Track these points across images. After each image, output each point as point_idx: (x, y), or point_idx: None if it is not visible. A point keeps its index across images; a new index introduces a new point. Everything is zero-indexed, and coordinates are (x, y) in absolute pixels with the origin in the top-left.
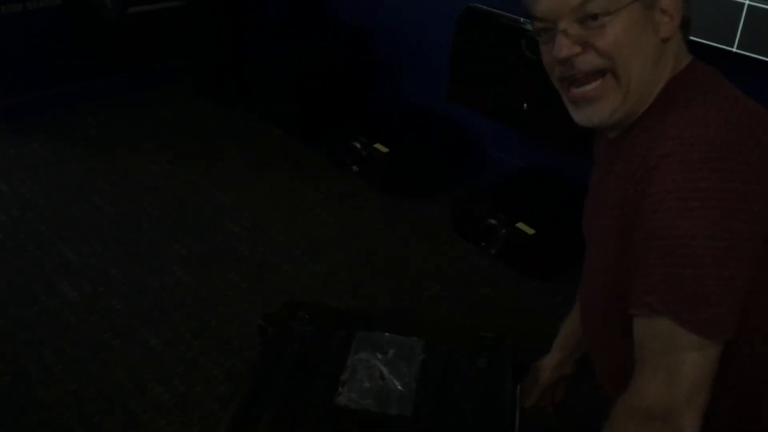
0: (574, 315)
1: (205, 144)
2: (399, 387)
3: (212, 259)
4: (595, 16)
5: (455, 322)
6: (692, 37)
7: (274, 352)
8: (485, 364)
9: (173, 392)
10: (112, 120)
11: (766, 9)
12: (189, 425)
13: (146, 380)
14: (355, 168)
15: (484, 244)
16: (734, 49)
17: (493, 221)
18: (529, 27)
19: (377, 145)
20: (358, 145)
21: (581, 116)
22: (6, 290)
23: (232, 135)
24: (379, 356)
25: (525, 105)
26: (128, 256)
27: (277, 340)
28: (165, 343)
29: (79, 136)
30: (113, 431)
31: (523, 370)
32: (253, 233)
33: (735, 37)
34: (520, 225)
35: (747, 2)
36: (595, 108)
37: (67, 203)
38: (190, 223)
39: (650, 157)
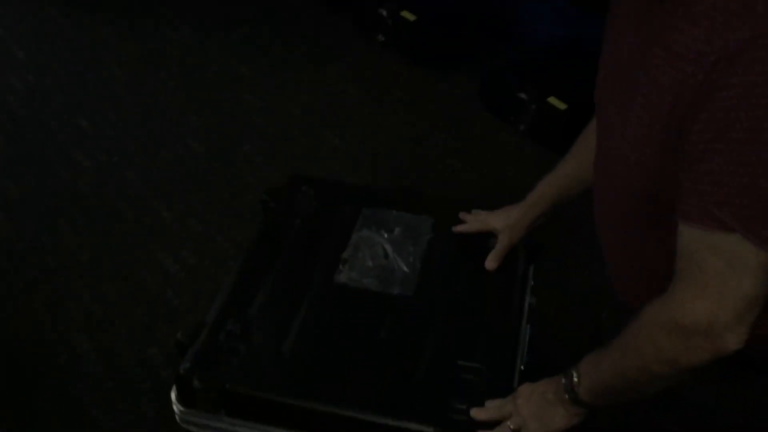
0: (564, 167)
1: (225, 14)
2: (403, 267)
3: (228, 132)
4: None
5: (469, 201)
6: None
7: (276, 227)
8: (496, 244)
9: (183, 264)
10: None
11: None
12: (196, 297)
13: (156, 251)
14: (381, 38)
15: (512, 119)
16: None
17: (522, 95)
18: None
19: (404, 13)
20: (384, 13)
21: None
22: (20, 159)
23: (254, 2)
24: (385, 234)
25: None
26: (143, 127)
27: (279, 215)
28: (176, 215)
29: (98, 3)
30: (122, 300)
31: (537, 250)
32: (271, 105)
33: None
34: (552, 100)
35: None
36: None
37: (84, 71)
38: (207, 94)
39: (733, 36)
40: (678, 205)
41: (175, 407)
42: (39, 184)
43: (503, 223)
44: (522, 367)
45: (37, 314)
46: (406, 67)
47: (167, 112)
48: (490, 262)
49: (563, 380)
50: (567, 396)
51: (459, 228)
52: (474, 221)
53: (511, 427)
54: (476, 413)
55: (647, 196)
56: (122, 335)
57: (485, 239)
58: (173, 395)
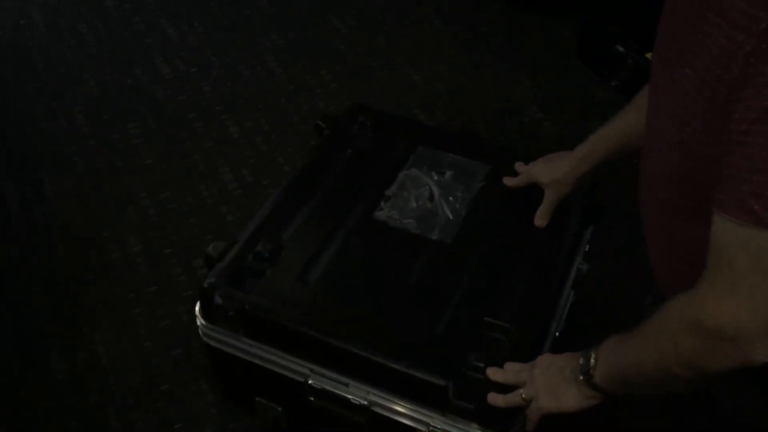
0: (621, 120)
1: None
2: (447, 212)
3: (308, 54)
4: None
5: (529, 153)
6: None
7: (326, 154)
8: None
9: (241, 181)
10: None
11: None
12: (249, 215)
13: (218, 165)
14: None
15: (606, 73)
16: None
17: (620, 48)
18: None
19: None
20: None
21: None
22: (104, 58)
23: None
24: (435, 176)
25: None
26: (226, 41)
27: (331, 143)
28: (243, 132)
29: None
30: (178, 208)
31: (598, 212)
32: (355, 32)
33: None
34: (650, 56)
35: None
36: None
37: None
38: (293, 14)
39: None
40: (714, 191)
41: (197, 320)
42: (118, 84)
43: (549, 177)
44: (557, 334)
45: (99, 210)
46: (503, 8)
47: (253, 27)
48: (539, 219)
49: (581, 360)
50: (582, 377)
51: (508, 180)
52: (523, 174)
53: (523, 396)
54: (492, 373)
55: (688, 182)
56: (172, 242)
57: (541, 193)
58: (197, 308)
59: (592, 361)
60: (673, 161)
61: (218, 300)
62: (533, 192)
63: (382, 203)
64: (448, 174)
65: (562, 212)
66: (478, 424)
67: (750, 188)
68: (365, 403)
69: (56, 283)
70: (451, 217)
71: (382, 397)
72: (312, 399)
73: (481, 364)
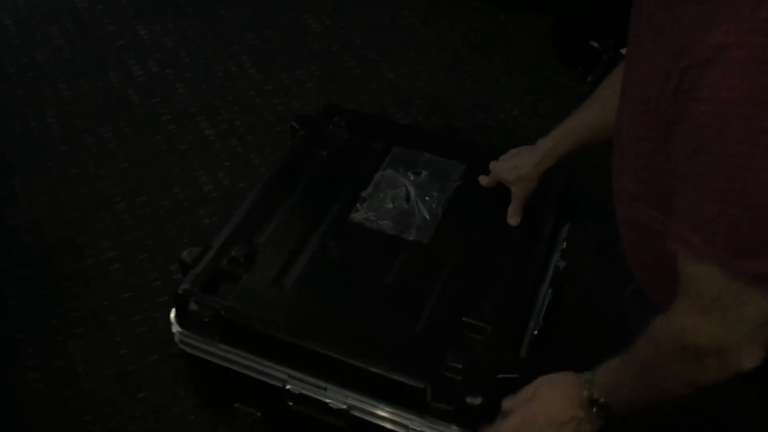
0: (584, 114)
1: None
2: (424, 212)
3: (283, 54)
4: None
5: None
6: None
7: (301, 155)
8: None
9: (217, 184)
10: None
11: None
12: (225, 217)
13: (193, 168)
14: None
15: (582, 69)
16: None
17: (595, 44)
18: None
19: None
20: None
21: None
22: (76, 60)
23: None
24: (411, 176)
25: None
26: (200, 41)
27: (306, 144)
28: (219, 134)
29: None
30: (153, 212)
31: (574, 209)
32: (331, 31)
33: None
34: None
35: None
36: None
37: None
38: (268, 13)
39: (702, 44)
40: (666, 223)
41: (173, 326)
42: (90, 87)
43: (514, 174)
44: (535, 332)
45: (71, 215)
46: (479, 5)
47: (227, 28)
48: (511, 218)
49: (585, 393)
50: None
51: (481, 179)
52: (491, 173)
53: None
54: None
55: (651, 180)
56: (148, 247)
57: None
58: (171, 314)
59: (600, 399)
60: (637, 166)
61: (193, 306)
62: (508, 190)
63: (358, 205)
64: (424, 174)
65: (538, 209)
66: (457, 425)
67: (686, 220)
68: (344, 407)
69: (29, 288)
70: (427, 218)
71: (361, 401)
72: (291, 404)
73: (459, 365)
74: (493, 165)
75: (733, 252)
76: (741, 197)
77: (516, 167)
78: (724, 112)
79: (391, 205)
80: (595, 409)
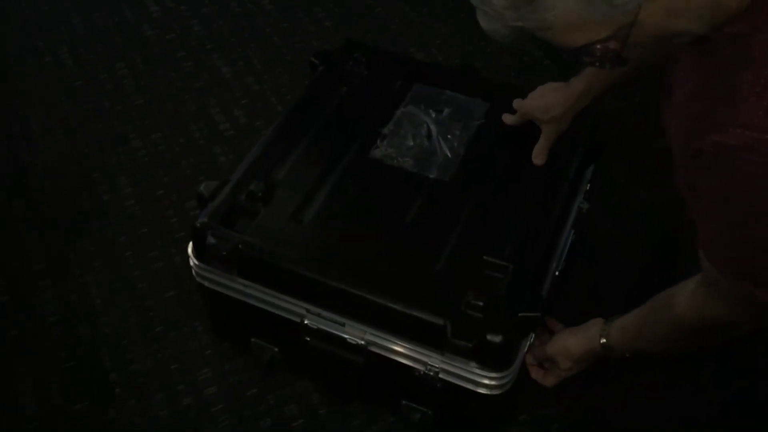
0: None
1: None
2: (445, 150)
3: None
4: None
5: (531, 89)
6: None
7: (320, 91)
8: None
9: (233, 122)
10: None
11: None
12: (241, 156)
13: (209, 106)
14: None
15: None
16: None
17: None
18: None
19: None
20: None
21: None
22: None
23: None
24: (432, 114)
25: None
26: None
27: (325, 80)
28: (235, 71)
29: None
30: (168, 149)
31: (599, 150)
32: None
33: None
34: None
35: None
36: None
37: None
38: None
39: (707, 136)
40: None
41: (190, 260)
42: (105, 24)
43: (547, 114)
44: (557, 273)
45: (87, 151)
46: None
47: None
48: (537, 157)
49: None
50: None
51: (506, 118)
52: (519, 111)
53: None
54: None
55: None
56: (164, 184)
57: (539, 129)
58: (189, 248)
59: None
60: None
61: (211, 240)
62: (532, 129)
63: (378, 141)
64: (446, 111)
65: (564, 150)
66: (477, 362)
67: (707, 241)
68: (362, 342)
69: (45, 224)
70: (449, 155)
71: (380, 337)
72: (308, 339)
73: (480, 303)
74: (520, 103)
75: (756, 276)
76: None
77: (548, 107)
78: (716, 208)
79: (411, 143)
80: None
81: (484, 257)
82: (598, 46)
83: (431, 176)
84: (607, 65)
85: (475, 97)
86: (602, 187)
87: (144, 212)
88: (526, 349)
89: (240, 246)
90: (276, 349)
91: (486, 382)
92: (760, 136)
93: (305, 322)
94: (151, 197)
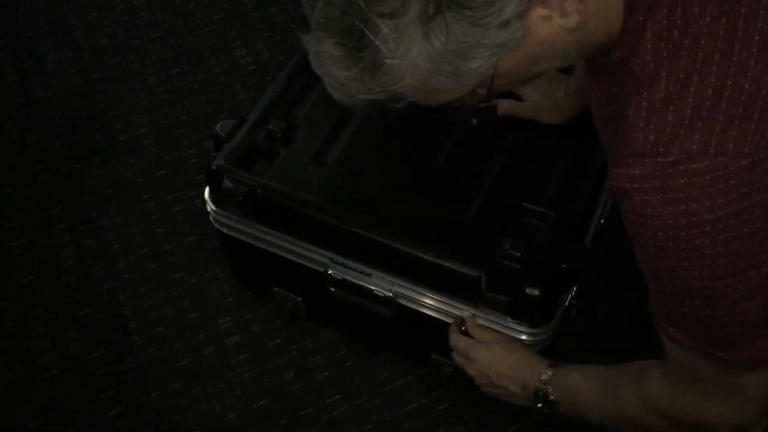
0: None
1: None
2: None
3: None
4: None
5: None
6: None
7: None
8: None
9: (255, 56)
10: None
11: None
12: (263, 92)
13: (230, 39)
14: None
15: None
16: None
17: None
18: None
19: None
20: None
21: None
22: None
23: None
24: None
25: None
26: None
27: None
28: (256, 2)
29: None
30: (187, 84)
31: None
32: None
33: None
34: None
35: None
36: None
37: None
38: None
39: (618, 171)
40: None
41: (207, 205)
42: None
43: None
44: (602, 221)
45: (102, 86)
46: None
47: None
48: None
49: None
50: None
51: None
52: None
53: (469, 372)
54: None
55: None
56: (182, 122)
57: None
58: (206, 192)
59: (550, 396)
60: None
61: (228, 184)
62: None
63: None
64: None
65: None
66: (512, 317)
67: (659, 311)
68: (390, 294)
69: (60, 162)
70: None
71: (409, 289)
72: (332, 290)
73: (517, 253)
74: (520, 107)
75: (713, 346)
76: (702, 302)
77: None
78: (637, 241)
79: None
80: (540, 404)
81: (523, 203)
82: (466, 98)
83: (464, 115)
84: (482, 105)
85: None
86: None
87: (162, 152)
88: (566, 304)
89: (258, 190)
90: (299, 299)
91: (523, 338)
92: (653, 161)
93: (329, 272)
94: (170, 136)
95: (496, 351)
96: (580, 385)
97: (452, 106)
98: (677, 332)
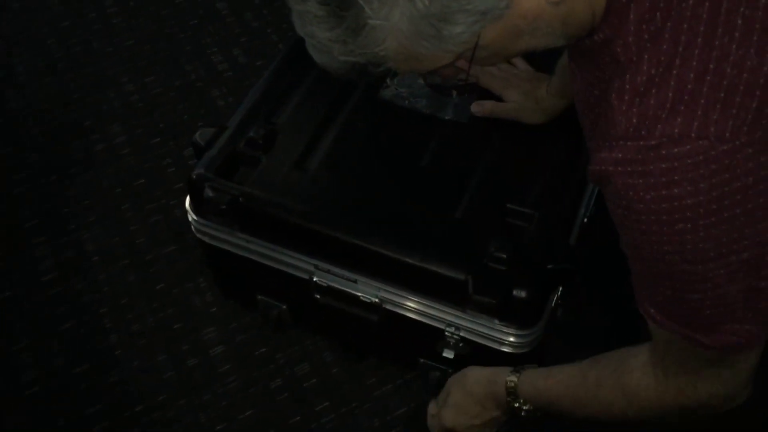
0: None
1: None
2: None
3: None
4: None
5: None
6: None
7: None
8: None
9: (232, 62)
10: None
11: None
12: (242, 97)
13: (206, 45)
14: None
15: None
16: None
17: None
18: None
19: None
20: None
21: None
22: None
23: None
24: None
25: None
26: None
27: None
28: (231, 6)
29: None
30: (163, 93)
31: None
32: None
33: None
34: None
35: None
36: None
37: None
38: None
39: (599, 154)
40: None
41: (188, 215)
42: None
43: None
44: (585, 220)
45: (77, 95)
46: None
47: None
48: (475, 107)
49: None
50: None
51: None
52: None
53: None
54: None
55: None
56: (160, 130)
57: None
58: (187, 202)
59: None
60: None
61: (209, 192)
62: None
63: (387, 80)
64: None
65: None
66: (500, 320)
67: (641, 293)
68: (376, 300)
69: (36, 175)
70: (466, 95)
71: (395, 294)
72: (318, 297)
73: (503, 255)
74: (501, 108)
75: (691, 327)
76: (684, 285)
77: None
78: (621, 224)
79: (424, 81)
80: (524, 408)
81: (508, 205)
82: (446, 70)
83: (447, 117)
84: (462, 82)
85: None
86: None
87: (140, 161)
88: (553, 304)
89: (240, 198)
90: (284, 307)
91: (511, 340)
92: (635, 144)
93: (314, 279)
94: (147, 145)
95: (456, 399)
96: (555, 392)
97: (434, 82)
98: (658, 313)
